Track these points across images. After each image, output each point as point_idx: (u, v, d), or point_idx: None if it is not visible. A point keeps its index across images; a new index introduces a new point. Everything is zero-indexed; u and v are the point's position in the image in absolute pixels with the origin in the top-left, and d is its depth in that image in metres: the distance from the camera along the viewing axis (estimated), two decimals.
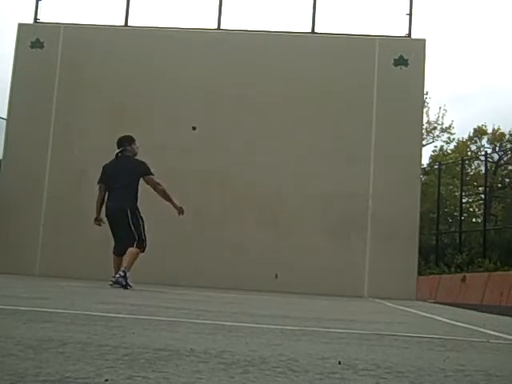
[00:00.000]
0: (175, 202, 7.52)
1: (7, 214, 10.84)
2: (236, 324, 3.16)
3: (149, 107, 10.92)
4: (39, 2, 11.58)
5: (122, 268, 7.03)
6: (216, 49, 11.02)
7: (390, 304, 7.77)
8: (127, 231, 7.22)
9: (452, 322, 4.67)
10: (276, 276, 10.32)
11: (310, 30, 11.11)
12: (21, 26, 11.47)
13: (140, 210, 7.49)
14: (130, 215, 7.22)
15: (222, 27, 11.28)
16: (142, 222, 7.33)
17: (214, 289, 8.89)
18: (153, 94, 10.99)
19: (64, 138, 10.91)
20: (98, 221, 7.66)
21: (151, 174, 7.46)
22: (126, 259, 7.12)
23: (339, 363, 1.83)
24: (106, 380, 1.35)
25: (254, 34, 11.17)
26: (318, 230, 10.42)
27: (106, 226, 7.82)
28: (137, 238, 7.21)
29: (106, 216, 7.48)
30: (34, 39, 11.24)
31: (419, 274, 11.84)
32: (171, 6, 11.62)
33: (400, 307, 6.91)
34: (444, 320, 4.86)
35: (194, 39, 11.18)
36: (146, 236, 7.34)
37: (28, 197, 10.71)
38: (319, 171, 10.51)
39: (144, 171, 7.45)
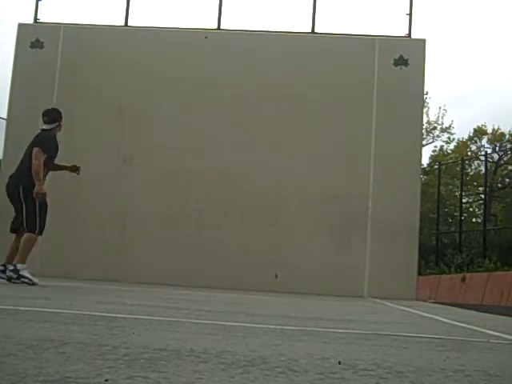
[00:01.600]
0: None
1: (7, 214, 10.82)
2: (236, 324, 3.16)
3: (149, 107, 10.92)
4: (39, 2, 11.58)
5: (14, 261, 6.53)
6: (216, 49, 11.02)
7: (390, 304, 7.77)
8: (20, 210, 6.68)
9: (452, 321, 4.67)
10: (276, 276, 10.32)
11: (310, 30, 11.11)
12: (21, 26, 11.47)
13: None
14: (22, 193, 6.66)
15: (222, 27, 11.28)
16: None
17: (214, 289, 8.89)
18: (153, 94, 10.99)
19: (64, 137, 10.87)
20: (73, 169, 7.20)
21: (37, 146, 6.76)
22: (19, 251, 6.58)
23: (339, 363, 1.83)
24: (106, 380, 1.35)
25: (254, 34, 11.16)
26: (318, 230, 10.42)
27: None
28: (26, 220, 6.60)
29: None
30: (34, 39, 11.24)
31: (419, 274, 11.83)
32: (171, 6, 11.63)
33: (400, 307, 6.91)
34: (444, 320, 4.86)
35: (194, 39, 11.17)
36: (42, 218, 6.67)
37: None
38: (319, 171, 10.51)
39: (35, 144, 6.81)
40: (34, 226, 6.58)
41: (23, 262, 6.44)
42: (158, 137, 10.71)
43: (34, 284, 6.30)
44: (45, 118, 7.04)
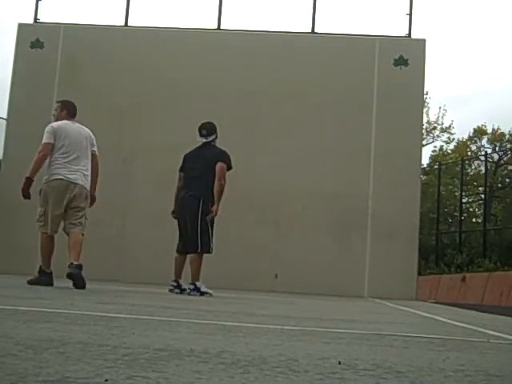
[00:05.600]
0: None
1: (7, 214, 10.84)
2: (236, 324, 3.16)
3: (149, 107, 10.92)
4: (39, 2, 11.59)
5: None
6: (216, 49, 11.02)
7: (390, 304, 7.77)
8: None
9: (452, 321, 4.67)
10: (276, 276, 10.32)
11: (310, 30, 11.11)
12: (21, 26, 11.47)
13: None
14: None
15: (222, 27, 11.28)
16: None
17: (214, 289, 8.88)
18: (153, 94, 10.99)
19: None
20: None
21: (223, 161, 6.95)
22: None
23: (339, 363, 1.83)
24: (106, 380, 1.34)
25: (254, 33, 11.16)
26: (318, 230, 10.42)
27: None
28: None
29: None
30: (34, 39, 11.24)
31: (419, 274, 11.84)
32: (171, 6, 11.63)
33: (400, 307, 6.91)
34: (444, 320, 4.86)
35: (193, 39, 11.18)
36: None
37: None
38: (319, 171, 10.51)
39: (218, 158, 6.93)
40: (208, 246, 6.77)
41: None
42: (158, 137, 10.71)
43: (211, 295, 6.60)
44: (203, 132, 7.08)
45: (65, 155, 6.26)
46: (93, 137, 6.62)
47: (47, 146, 6.27)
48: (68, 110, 6.61)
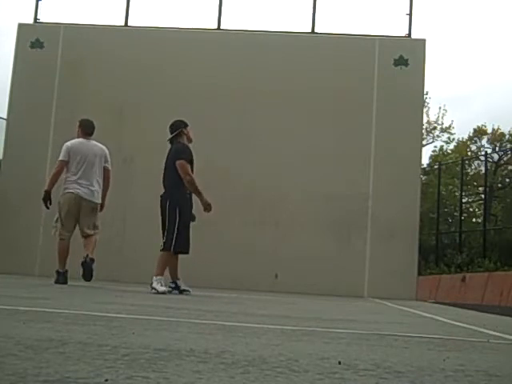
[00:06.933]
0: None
1: (7, 214, 10.84)
2: (236, 324, 3.16)
3: (149, 107, 10.91)
4: (39, 2, 11.58)
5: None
6: (216, 49, 11.02)
7: (390, 304, 7.77)
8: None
9: (452, 321, 4.67)
10: (276, 276, 10.32)
11: (310, 30, 11.11)
12: (21, 26, 11.47)
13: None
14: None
15: (222, 27, 11.28)
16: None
17: (214, 289, 8.89)
18: (153, 94, 10.98)
19: (64, 138, 10.87)
20: None
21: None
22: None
23: (339, 363, 1.83)
24: (106, 380, 1.35)
25: (254, 33, 11.16)
26: (318, 230, 10.42)
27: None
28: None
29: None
30: (34, 39, 11.24)
31: (419, 274, 11.83)
32: (171, 6, 11.63)
33: (400, 307, 6.91)
34: (444, 320, 4.86)
35: (193, 39, 11.17)
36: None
37: (28, 197, 10.69)
38: (319, 171, 10.51)
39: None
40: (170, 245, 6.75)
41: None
42: (158, 136, 10.67)
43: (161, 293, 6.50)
44: (170, 130, 7.19)
45: (76, 172, 7.18)
46: (106, 152, 7.43)
47: (61, 163, 7.26)
48: (82, 129, 7.52)
